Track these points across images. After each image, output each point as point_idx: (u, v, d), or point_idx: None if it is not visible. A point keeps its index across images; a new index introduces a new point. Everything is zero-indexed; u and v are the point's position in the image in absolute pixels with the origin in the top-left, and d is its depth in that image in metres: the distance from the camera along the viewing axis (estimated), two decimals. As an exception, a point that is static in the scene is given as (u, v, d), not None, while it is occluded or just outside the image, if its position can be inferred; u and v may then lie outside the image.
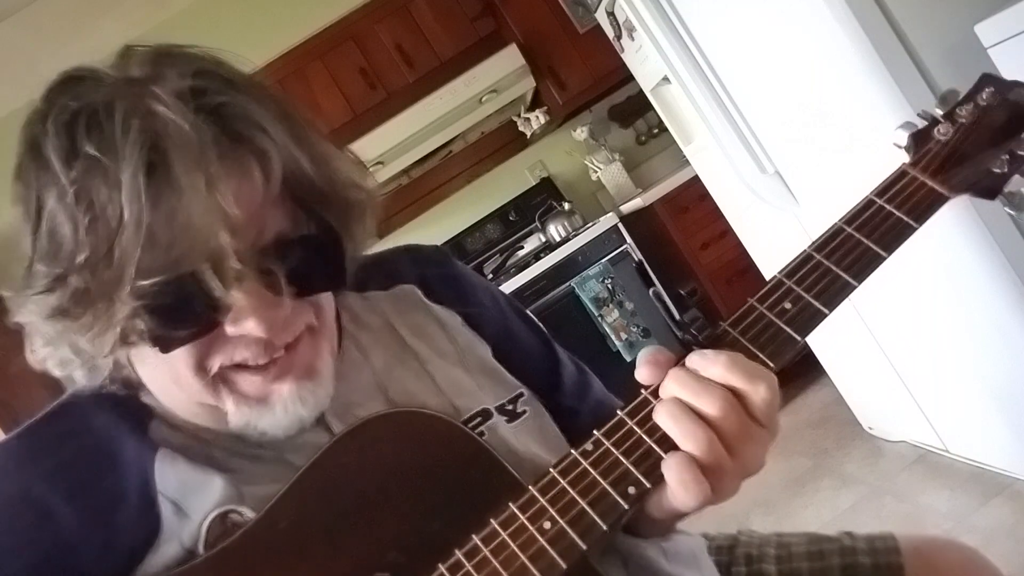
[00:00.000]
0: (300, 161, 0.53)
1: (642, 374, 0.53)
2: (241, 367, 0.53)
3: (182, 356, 0.51)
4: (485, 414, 0.62)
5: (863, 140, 1.35)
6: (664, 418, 0.50)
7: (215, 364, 0.52)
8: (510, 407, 0.65)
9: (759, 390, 0.49)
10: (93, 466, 0.54)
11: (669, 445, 0.50)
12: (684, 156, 2.28)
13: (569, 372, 0.74)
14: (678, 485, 0.48)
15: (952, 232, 1.30)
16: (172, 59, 0.51)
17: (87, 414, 0.56)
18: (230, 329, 0.51)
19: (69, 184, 0.47)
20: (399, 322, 0.67)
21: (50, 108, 0.49)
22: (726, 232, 2.41)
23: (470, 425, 0.61)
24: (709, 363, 0.50)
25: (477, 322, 0.69)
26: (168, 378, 0.54)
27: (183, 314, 0.49)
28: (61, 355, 0.53)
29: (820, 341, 2.07)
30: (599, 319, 2.58)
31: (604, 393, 0.76)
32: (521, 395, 0.66)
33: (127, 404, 0.56)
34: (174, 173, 0.46)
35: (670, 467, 0.49)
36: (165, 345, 0.51)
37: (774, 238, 1.99)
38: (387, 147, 2.75)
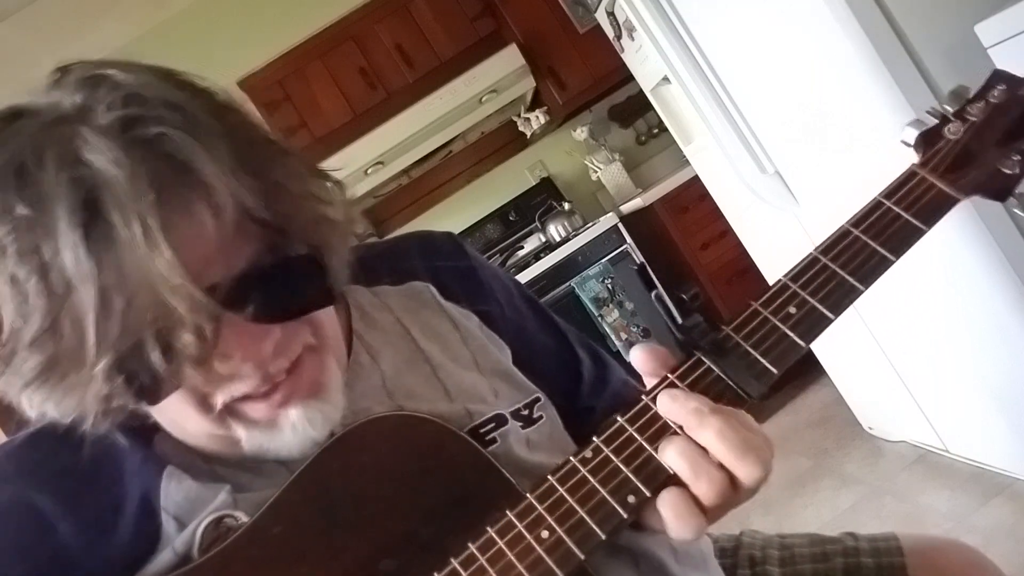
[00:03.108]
0: (246, 196, 0.47)
1: (636, 356, 0.52)
2: (245, 397, 0.51)
3: (182, 399, 0.50)
4: (499, 419, 0.61)
5: (863, 140, 1.34)
6: (675, 457, 0.48)
7: (218, 402, 0.51)
8: (526, 412, 0.63)
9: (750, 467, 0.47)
10: (94, 478, 0.53)
11: None
12: (684, 156, 2.28)
13: (588, 369, 0.72)
14: (676, 521, 0.47)
15: (952, 232, 1.30)
16: (102, 84, 0.47)
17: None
18: (220, 369, 0.48)
19: (11, 245, 0.44)
20: (411, 321, 0.65)
21: None
22: (726, 232, 2.41)
23: (483, 430, 0.60)
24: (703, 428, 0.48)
25: (493, 322, 0.68)
26: (175, 417, 0.53)
27: (161, 369, 0.46)
28: (57, 411, 0.50)
29: (820, 341, 2.05)
30: (599, 319, 2.58)
31: (622, 382, 0.74)
32: (538, 400, 0.64)
33: (133, 418, 0.54)
34: (112, 227, 0.43)
35: (666, 503, 0.48)
36: (152, 399, 0.49)
37: (774, 238, 1.99)
38: (387, 147, 2.75)
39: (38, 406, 0.49)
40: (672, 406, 0.49)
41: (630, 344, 2.58)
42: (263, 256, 0.50)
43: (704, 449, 0.48)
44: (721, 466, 0.47)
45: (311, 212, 0.53)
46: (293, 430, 0.52)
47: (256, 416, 0.52)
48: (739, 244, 2.31)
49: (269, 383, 0.51)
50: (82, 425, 0.51)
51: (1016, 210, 0.57)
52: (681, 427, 0.49)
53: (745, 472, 0.46)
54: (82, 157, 0.44)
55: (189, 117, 0.47)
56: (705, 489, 0.47)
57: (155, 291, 0.44)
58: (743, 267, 2.49)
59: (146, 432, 0.55)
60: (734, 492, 0.48)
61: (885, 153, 1.26)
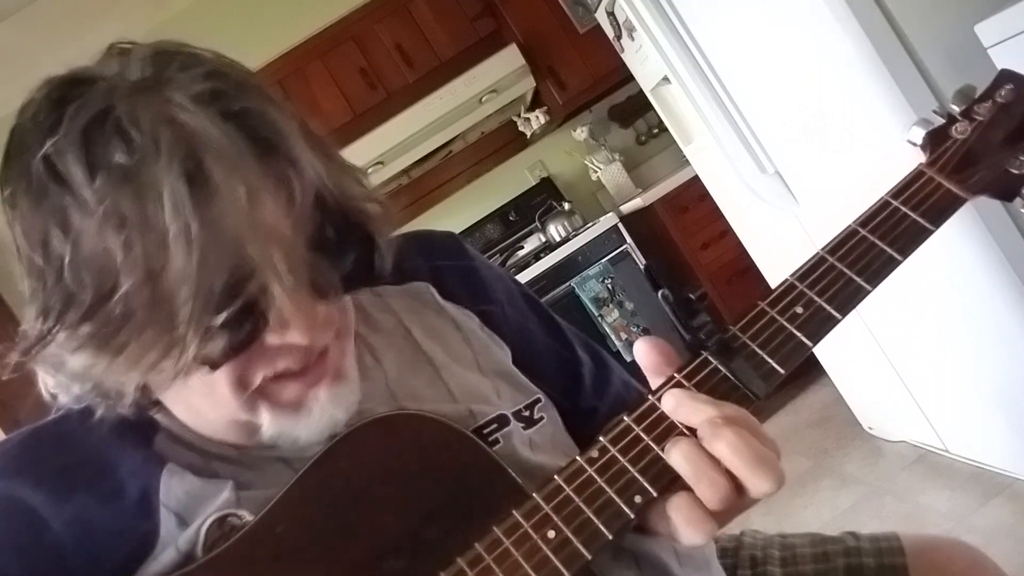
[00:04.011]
0: (322, 171, 0.49)
1: (639, 349, 0.52)
2: (280, 376, 0.51)
3: (223, 375, 0.49)
4: (502, 420, 0.61)
5: (863, 140, 1.35)
6: (679, 459, 0.47)
7: (257, 378, 0.50)
8: (527, 413, 0.63)
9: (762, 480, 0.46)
10: (90, 476, 0.53)
11: None
12: (684, 156, 2.28)
13: (588, 370, 0.72)
14: (686, 526, 0.47)
15: (952, 232, 1.30)
16: (175, 60, 0.47)
17: (89, 426, 0.53)
18: (273, 339, 0.48)
19: (96, 202, 0.42)
20: (412, 322, 0.65)
21: (56, 119, 0.44)
22: (726, 232, 2.41)
23: (486, 431, 0.60)
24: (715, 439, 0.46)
25: (494, 322, 0.68)
26: (201, 400, 0.52)
27: (233, 332, 0.46)
28: (80, 391, 0.50)
29: (820, 341, 2.07)
30: (599, 319, 2.58)
31: (624, 383, 0.74)
32: (539, 400, 0.64)
33: (131, 417, 0.54)
34: (214, 184, 0.42)
35: (677, 507, 0.47)
36: (216, 363, 0.48)
37: (774, 238, 1.99)
38: (387, 147, 2.75)
39: (72, 378, 0.49)
40: (681, 411, 0.49)
41: (630, 344, 2.58)
42: (325, 230, 0.51)
43: (708, 453, 0.47)
44: (727, 471, 0.47)
45: (363, 193, 0.55)
46: (321, 411, 0.52)
47: (288, 397, 0.52)
48: (739, 244, 2.31)
49: (307, 361, 0.52)
50: (98, 410, 0.51)
51: (1022, 210, 0.57)
52: (691, 430, 0.48)
53: (756, 486, 0.46)
54: (177, 118, 0.43)
55: (265, 96, 0.48)
56: (707, 492, 0.46)
57: (252, 251, 0.44)
58: (743, 267, 2.49)
59: (146, 433, 0.55)
60: (739, 497, 0.47)
61: (885, 153, 1.26)
